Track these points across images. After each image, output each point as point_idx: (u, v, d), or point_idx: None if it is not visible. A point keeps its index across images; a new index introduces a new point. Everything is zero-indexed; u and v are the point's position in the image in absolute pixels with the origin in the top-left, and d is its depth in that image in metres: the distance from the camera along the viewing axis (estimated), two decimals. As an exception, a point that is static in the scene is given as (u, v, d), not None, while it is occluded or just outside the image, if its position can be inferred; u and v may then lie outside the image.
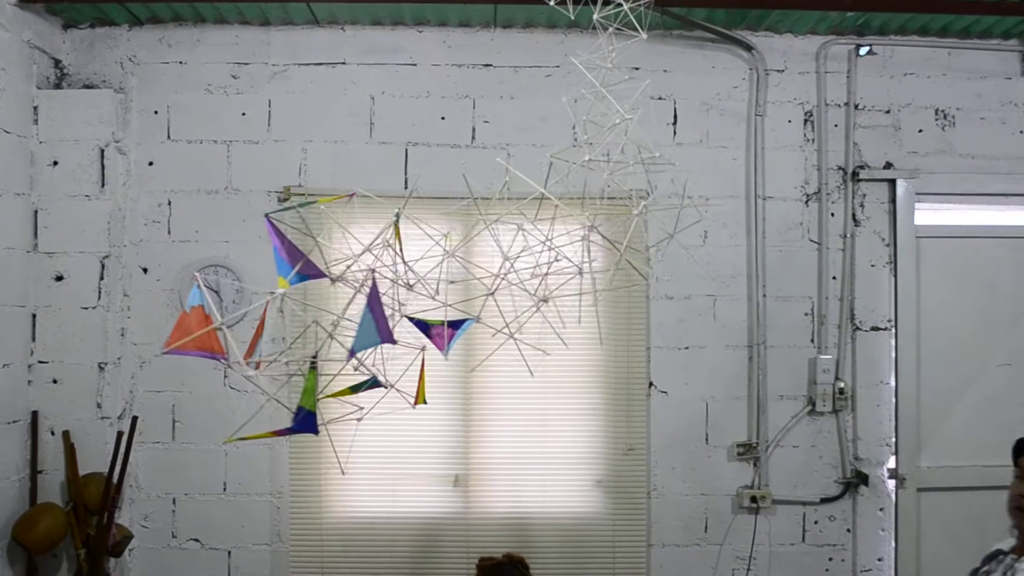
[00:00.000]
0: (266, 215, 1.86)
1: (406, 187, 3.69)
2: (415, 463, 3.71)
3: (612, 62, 2.05)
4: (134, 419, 3.58)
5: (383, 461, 3.68)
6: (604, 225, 2.03)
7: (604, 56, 2.05)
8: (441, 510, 3.73)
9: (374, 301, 1.77)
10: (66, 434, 3.50)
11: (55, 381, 3.54)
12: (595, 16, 2.01)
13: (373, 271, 1.85)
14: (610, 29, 2.05)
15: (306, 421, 1.77)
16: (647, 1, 2.01)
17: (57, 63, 3.71)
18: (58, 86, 3.69)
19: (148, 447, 3.69)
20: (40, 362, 3.55)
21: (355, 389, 1.89)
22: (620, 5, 2.03)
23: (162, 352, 1.82)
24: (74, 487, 3.44)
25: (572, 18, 2.15)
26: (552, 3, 2.40)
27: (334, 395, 1.89)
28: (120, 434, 3.48)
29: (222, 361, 1.72)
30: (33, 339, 3.55)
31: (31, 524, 3.30)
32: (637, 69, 3.79)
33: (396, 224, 1.86)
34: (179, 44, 3.75)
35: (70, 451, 3.47)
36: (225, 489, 3.71)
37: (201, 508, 3.70)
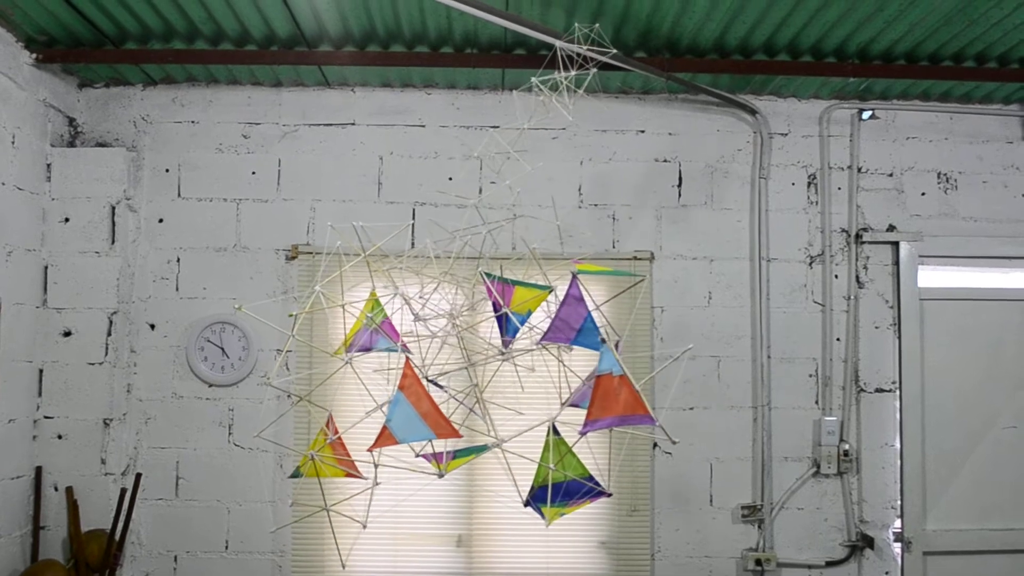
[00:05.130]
0: (574, 273, 2.05)
1: (412, 246, 3.72)
2: (418, 523, 3.69)
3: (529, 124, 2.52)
4: (138, 476, 3.58)
5: (386, 520, 3.65)
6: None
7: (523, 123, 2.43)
8: (444, 570, 3.70)
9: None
10: (69, 490, 3.50)
11: (60, 436, 3.55)
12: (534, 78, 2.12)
13: (620, 338, 1.99)
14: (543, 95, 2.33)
15: (595, 485, 1.94)
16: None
17: (71, 121, 3.77)
18: (72, 144, 3.75)
19: (151, 504, 3.69)
20: (46, 417, 3.56)
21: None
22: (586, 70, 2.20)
23: (583, 432, 1.90)
24: (76, 544, 3.43)
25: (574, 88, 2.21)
26: (560, 72, 2.48)
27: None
28: (124, 491, 3.49)
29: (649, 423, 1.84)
30: (39, 394, 3.57)
31: (32, 582, 3.29)
32: (643, 132, 3.86)
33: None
34: (192, 104, 3.82)
35: (73, 507, 3.46)
36: (227, 547, 3.69)
37: (203, 566, 3.68)
